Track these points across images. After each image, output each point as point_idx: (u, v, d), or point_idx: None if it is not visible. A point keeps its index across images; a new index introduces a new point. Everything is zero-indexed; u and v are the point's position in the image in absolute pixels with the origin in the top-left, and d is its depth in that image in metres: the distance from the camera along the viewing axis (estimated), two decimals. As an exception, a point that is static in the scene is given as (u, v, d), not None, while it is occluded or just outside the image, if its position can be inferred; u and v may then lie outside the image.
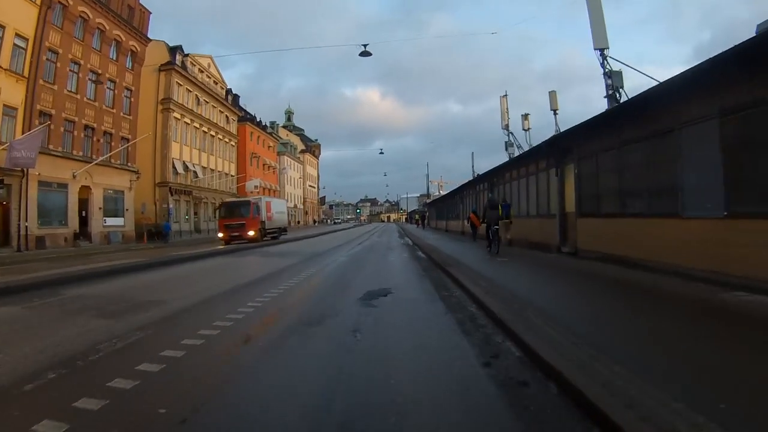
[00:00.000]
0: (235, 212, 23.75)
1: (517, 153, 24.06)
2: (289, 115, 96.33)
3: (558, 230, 11.26)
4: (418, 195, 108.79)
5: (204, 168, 38.68)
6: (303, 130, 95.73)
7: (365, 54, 16.77)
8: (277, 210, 28.82)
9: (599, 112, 9.94)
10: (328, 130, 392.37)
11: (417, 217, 58.96)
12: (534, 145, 16.51)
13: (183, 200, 34.83)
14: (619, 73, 15.68)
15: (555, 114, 21.66)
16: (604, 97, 15.98)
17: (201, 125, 38.53)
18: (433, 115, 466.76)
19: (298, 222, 71.47)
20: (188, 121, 36.43)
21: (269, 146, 57.98)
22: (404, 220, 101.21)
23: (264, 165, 54.81)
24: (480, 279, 7.04)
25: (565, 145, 10.73)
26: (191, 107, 37.02)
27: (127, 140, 29.33)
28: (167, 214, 31.93)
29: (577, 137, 9.95)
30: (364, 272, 9.77)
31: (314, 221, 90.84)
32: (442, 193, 52.67)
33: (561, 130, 18.47)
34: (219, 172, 41.79)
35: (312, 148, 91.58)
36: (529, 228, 13.60)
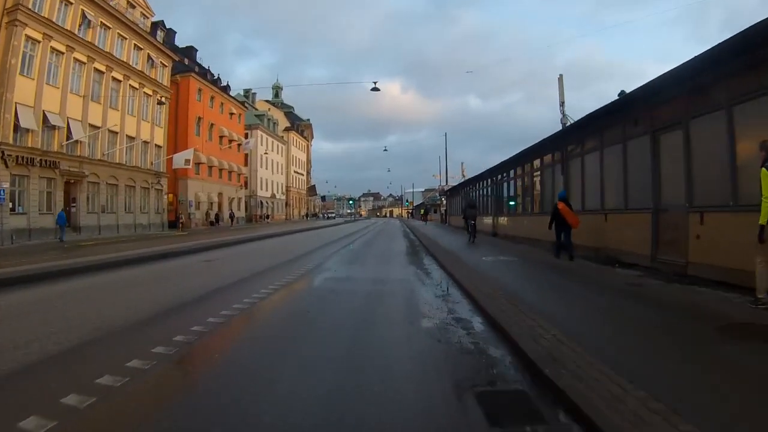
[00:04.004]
0: None
1: None
2: (276, 90, 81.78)
3: None
4: (423, 190, 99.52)
5: (95, 128, 24.44)
6: (292, 108, 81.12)
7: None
8: None
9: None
10: (344, 122, 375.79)
11: (422, 211, 56.99)
12: None
13: (37, 176, 20.60)
14: None
15: None
16: None
17: (91, 59, 24.24)
18: (450, 109, 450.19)
19: (268, 217, 54.47)
20: (61, 49, 22.18)
21: (232, 113, 43.40)
22: (410, 215, 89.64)
23: (222, 137, 40.48)
24: None
25: None
26: (70, 28, 22.79)
27: None
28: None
29: None
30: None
31: (305, 215, 76.41)
32: (463, 180, 38.16)
33: None
34: (130, 137, 27.52)
35: (300, 127, 76.80)
36: None
